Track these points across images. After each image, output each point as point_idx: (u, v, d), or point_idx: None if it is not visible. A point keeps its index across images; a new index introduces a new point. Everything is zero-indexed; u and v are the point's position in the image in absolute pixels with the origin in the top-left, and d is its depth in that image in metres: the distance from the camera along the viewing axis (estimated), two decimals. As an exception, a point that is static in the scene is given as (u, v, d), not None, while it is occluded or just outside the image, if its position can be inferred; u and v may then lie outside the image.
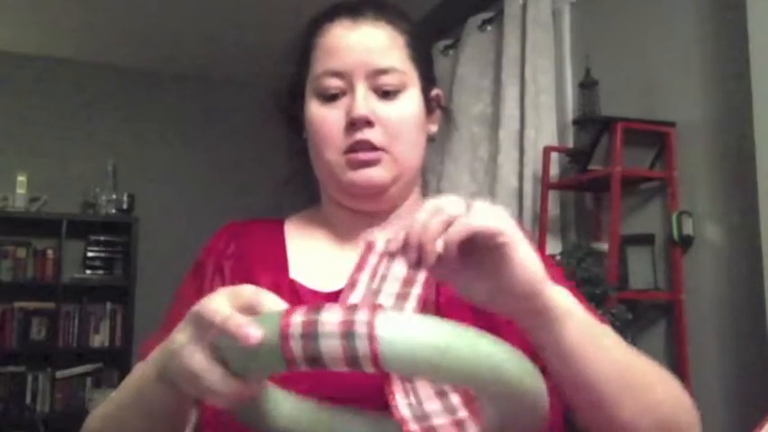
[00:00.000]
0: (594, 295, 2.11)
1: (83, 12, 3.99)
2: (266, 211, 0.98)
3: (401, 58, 0.87)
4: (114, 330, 4.50)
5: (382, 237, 0.64)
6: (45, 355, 4.33)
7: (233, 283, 0.86)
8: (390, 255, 0.62)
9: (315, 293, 0.84)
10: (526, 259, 0.60)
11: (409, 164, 0.87)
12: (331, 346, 0.49)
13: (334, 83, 0.85)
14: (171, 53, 4.62)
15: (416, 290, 0.60)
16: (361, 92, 0.84)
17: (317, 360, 0.50)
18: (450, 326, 0.51)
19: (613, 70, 2.64)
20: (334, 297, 0.82)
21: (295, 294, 0.84)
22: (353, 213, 0.90)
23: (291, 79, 0.93)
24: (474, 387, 0.54)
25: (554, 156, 2.75)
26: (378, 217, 0.89)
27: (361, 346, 0.49)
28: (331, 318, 0.50)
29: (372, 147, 0.84)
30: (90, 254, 4.55)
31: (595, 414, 0.67)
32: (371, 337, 0.49)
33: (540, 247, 2.57)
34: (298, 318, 0.51)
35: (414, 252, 0.60)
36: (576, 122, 2.71)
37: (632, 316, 2.17)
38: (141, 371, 0.70)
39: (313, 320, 0.50)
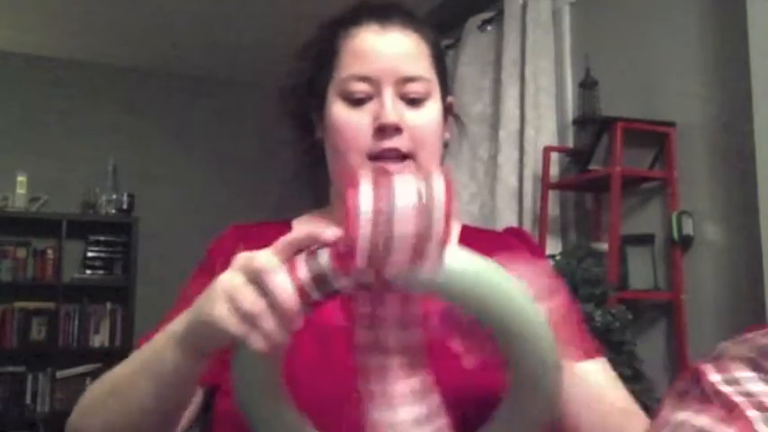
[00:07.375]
0: (594, 295, 2.11)
1: (83, 12, 3.99)
2: (266, 212, 0.98)
3: (427, 66, 0.88)
4: (114, 330, 4.50)
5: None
6: (45, 355, 4.34)
7: None
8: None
9: None
10: None
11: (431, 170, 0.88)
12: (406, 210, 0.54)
13: (362, 87, 0.86)
14: (171, 53, 4.62)
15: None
16: (390, 98, 0.85)
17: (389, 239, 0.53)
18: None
19: (613, 70, 2.64)
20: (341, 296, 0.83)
21: None
22: None
23: (308, 78, 0.93)
24: (498, 312, 0.57)
25: (554, 156, 2.75)
26: None
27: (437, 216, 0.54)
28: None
29: (399, 154, 0.85)
30: (90, 254, 4.55)
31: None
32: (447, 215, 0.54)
33: (540, 248, 2.57)
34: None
35: None
36: (575, 122, 2.71)
37: (632, 316, 2.17)
38: (154, 341, 0.69)
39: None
